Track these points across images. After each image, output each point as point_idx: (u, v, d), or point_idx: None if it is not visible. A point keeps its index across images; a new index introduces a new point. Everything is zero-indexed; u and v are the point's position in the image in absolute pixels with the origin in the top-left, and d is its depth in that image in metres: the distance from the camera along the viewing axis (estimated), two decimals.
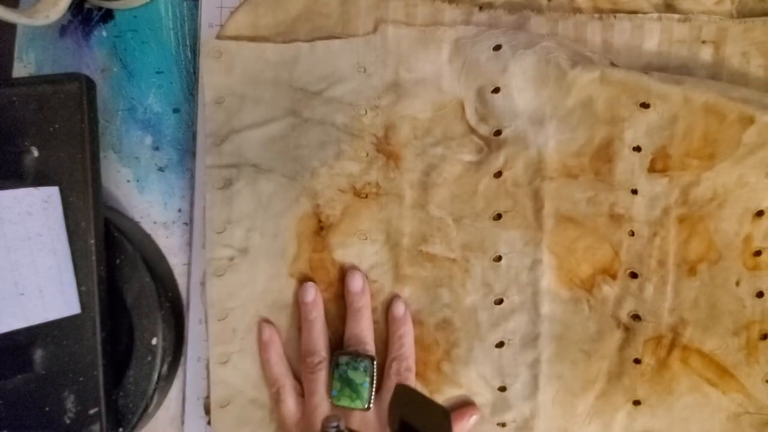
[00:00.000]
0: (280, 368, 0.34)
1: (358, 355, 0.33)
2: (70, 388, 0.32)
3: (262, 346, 0.34)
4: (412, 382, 0.33)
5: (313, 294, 0.34)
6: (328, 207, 0.35)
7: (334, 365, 0.33)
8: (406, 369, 0.33)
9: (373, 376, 0.32)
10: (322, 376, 0.33)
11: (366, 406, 0.32)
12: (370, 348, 0.33)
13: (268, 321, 0.35)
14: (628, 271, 0.34)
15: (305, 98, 0.35)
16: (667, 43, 0.34)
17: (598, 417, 0.34)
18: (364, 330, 0.33)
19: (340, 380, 0.32)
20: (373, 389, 0.32)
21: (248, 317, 0.35)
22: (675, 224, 0.33)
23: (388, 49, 0.34)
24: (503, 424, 0.34)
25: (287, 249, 0.35)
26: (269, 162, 0.35)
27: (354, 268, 0.35)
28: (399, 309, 0.34)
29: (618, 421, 0.34)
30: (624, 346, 0.34)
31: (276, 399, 0.34)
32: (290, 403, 0.33)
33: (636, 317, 0.34)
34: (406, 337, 0.34)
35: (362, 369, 0.32)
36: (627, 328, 0.34)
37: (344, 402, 0.32)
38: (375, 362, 0.33)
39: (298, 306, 0.35)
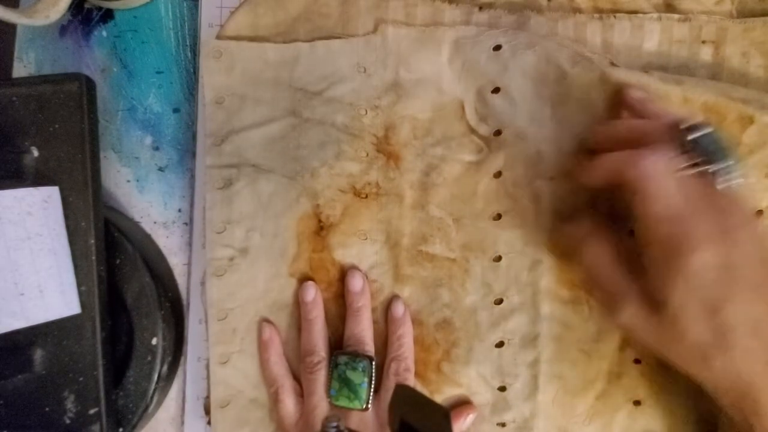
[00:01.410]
0: (279, 368, 0.34)
1: (356, 355, 0.33)
2: (70, 388, 0.32)
3: (262, 346, 0.34)
4: (411, 382, 0.33)
5: (313, 293, 0.34)
6: (328, 207, 0.35)
7: (333, 365, 0.33)
8: (405, 369, 0.33)
9: (371, 376, 0.32)
10: (321, 375, 0.33)
11: (364, 407, 0.32)
12: (369, 348, 0.33)
13: (268, 321, 0.35)
14: None
15: (305, 98, 0.35)
16: (667, 43, 0.34)
17: (598, 417, 0.34)
18: (363, 330, 0.33)
19: (339, 380, 0.32)
20: (372, 389, 0.32)
21: (248, 317, 0.35)
22: None
23: (388, 49, 0.34)
24: (503, 424, 0.34)
25: (287, 249, 0.35)
26: (269, 162, 0.35)
27: (354, 268, 0.35)
28: (398, 309, 0.34)
29: (618, 421, 0.34)
30: (624, 347, 0.34)
31: (275, 399, 0.34)
32: (289, 404, 0.33)
33: None
34: (405, 338, 0.34)
35: (361, 369, 0.32)
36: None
37: (342, 402, 0.32)
38: (374, 362, 0.33)
39: (298, 306, 0.35)
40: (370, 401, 0.32)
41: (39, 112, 0.32)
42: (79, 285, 0.32)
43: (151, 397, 0.34)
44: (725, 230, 0.25)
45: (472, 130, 0.34)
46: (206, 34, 0.37)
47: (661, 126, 0.27)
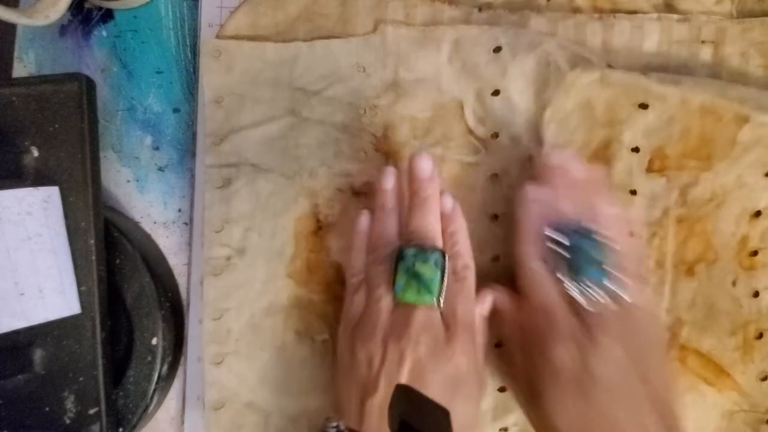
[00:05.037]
0: (363, 261, 0.31)
1: (425, 249, 0.28)
2: (70, 388, 0.32)
3: (357, 233, 0.31)
4: (472, 281, 0.30)
5: (393, 181, 0.30)
6: (327, 207, 0.35)
7: (398, 259, 0.29)
8: (464, 267, 0.29)
9: (443, 270, 0.28)
10: (390, 267, 0.29)
11: (435, 302, 0.28)
12: (439, 243, 0.29)
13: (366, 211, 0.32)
14: None
15: (304, 98, 0.35)
16: (667, 43, 0.34)
17: None
18: (431, 224, 0.29)
19: (407, 274, 0.28)
20: (445, 285, 0.28)
21: (243, 319, 0.35)
22: (674, 225, 0.34)
23: (387, 49, 0.34)
24: (505, 429, 0.34)
25: (285, 249, 0.35)
26: (268, 161, 0.35)
27: (421, 152, 0.30)
28: (447, 203, 0.30)
29: None
30: None
31: (354, 289, 0.30)
32: (362, 296, 0.30)
33: None
34: (459, 234, 0.30)
35: (432, 262, 0.28)
36: None
37: (410, 297, 0.28)
38: (446, 256, 0.28)
39: (294, 308, 0.34)
40: (442, 297, 0.28)
41: (39, 112, 0.32)
42: (79, 285, 0.32)
43: (151, 397, 0.33)
44: (588, 333, 0.27)
45: (470, 131, 0.35)
46: (206, 34, 0.37)
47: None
